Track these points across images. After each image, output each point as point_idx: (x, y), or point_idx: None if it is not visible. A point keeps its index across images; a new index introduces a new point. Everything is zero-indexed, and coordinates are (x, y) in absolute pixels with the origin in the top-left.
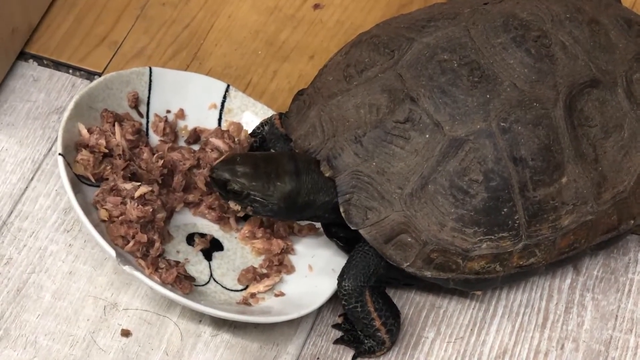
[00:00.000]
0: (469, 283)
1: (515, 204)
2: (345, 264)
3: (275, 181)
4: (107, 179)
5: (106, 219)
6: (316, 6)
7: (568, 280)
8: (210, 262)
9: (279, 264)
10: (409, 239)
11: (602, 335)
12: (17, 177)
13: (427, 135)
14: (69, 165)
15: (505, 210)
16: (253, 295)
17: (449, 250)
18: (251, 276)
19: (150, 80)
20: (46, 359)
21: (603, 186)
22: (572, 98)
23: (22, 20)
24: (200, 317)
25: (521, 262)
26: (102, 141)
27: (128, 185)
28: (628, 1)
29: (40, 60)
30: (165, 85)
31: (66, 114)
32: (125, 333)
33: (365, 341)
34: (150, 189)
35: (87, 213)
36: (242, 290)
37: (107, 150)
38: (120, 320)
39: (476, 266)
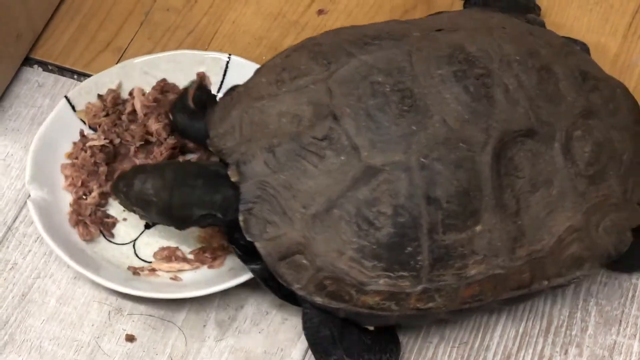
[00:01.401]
0: (361, 316)
1: (420, 245)
2: (309, 344)
3: (152, 198)
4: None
5: (68, 159)
6: (320, 12)
7: (572, 286)
8: (146, 230)
9: (211, 259)
10: (304, 261)
11: (605, 341)
12: (22, 182)
13: (343, 158)
14: (72, 107)
15: (409, 249)
16: (152, 270)
17: (343, 280)
18: (165, 254)
19: (227, 67)
20: None
21: (519, 241)
22: (504, 145)
23: (26, 26)
24: (204, 322)
25: (419, 305)
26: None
27: (95, 136)
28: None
29: (45, 65)
30: (241, 73)
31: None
32: (130, 338)
33: None
34: (103, 143)
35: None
36: (148, 262)
37: (119, 106)
38: (124, 326)
39: (370, 301)
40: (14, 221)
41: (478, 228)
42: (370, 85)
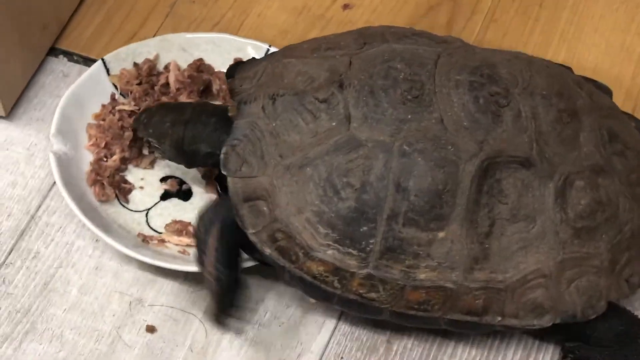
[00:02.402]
0: (305, 284)
1: (376, 228)
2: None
3: (168, 130)
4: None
5: (94, 120)
6: (345, 6)
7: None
8: (161, 202)
9: None
10: (264, 208)
11: None
12: (45, 171)
13: (334, 123)
14: (107, 70)
15: (364, 228)
16: (162, 241)
17: (294, 238)
18: (177, 227)
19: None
20: (72, 353)
21: (480, 264)
22: (494, 164)
23: (52, 16)
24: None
25: (361, 291)
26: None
27: (125, 102)
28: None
29: (70, 56)
30: None
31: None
32: (151, 329)
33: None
34: (132, 109)
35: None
36: (158, 233)
37: (153, 77)
38: (145, 316)
39: (314, 269)
40: (37, 210)
41: (441, 234)
42: (387, 68)
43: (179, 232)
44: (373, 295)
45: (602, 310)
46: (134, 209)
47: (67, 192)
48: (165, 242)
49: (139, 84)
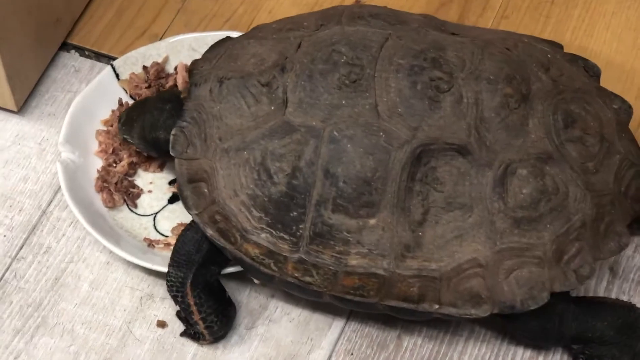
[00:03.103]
0: (245, 265)
1: (306, 214)
2: (172, 249)
3: (134, 123)
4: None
5: (104, 126)
6: (357, 2)
7: (604, 283)
8: (169, 205)
9: None
10: (205, 190)
11: None
12: (57, 166)
13: (272, 107)
14: (116, 75)
15: (294, 213)
16: (168, 244)
17: (231, 220)
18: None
19: None
20: (83, 348)
21: (412, 252)
22: (429, 151)
23: (65, 11)
24: (235, 310)
25: (297, 275)
26: (161, 73)
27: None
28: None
29: (81, 51)
30: None
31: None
32: (161, 324)
33: (195, 327)
34: None
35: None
36: (165, 236)
37: (160, 81)
38: (156, 311)
39: (251, 251)
40: (49, 205)
41: (372, 221)
42: (331, 52)
43: None
44: (308, 279)
45: (544, 301)
46: (142, 214)
47: (72, 200)
48: (171, 245)
49: (148, 87)
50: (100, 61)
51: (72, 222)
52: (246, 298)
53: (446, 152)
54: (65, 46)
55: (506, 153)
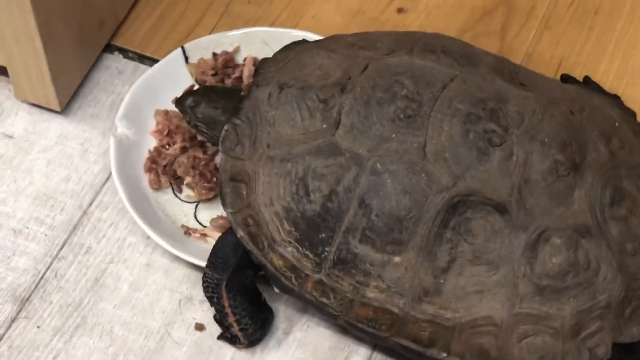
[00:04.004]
0: (268, 272)
1: (333, 238)
2: (211, 250)
3: (220, 117)
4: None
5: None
6: (400, 10)
7: None
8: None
9: None
10: (243, 192)
11: None
12: (99, 167)
13: (324, 125)
14: (186, 57)
15: (322, 235)
16: (204, 235)
17: (262, 227)
18: (220, 223)
19: None
20: (121, 349)
21: (430, 297)
22: (467, 202)
23: (109, 13)
24: (273, 315)
25: (315, 294)
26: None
27: None
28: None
29: (125, 53)
30: None
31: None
32: (200, 327)
33: (230, 330)
34: None
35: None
36: (203, 226)
37: (227, 71)
38: (194, 314)
39: (276, 262)
40: (90, 205)
41: (396, 259)
42: (393, 82)
43: (221, 228)
44: (325, 300)
45: None
46: (185, 200)
47: (119, 176)
48: (207, 236)
49: (214, 74)
50: (143, 63)
51: (112, 223)
52: (284, 303)
53: (484, 206)
54: (108, 48)
55: (544, 219)
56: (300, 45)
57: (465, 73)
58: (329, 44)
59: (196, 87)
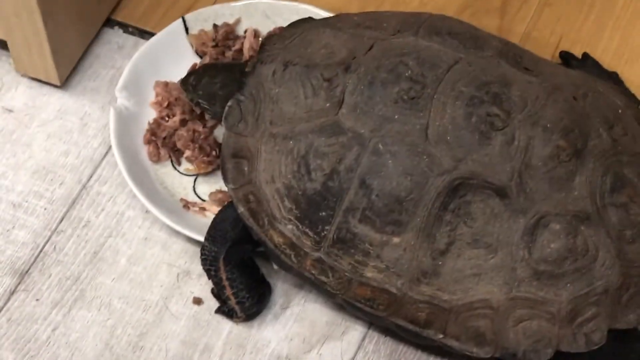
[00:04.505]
0: (267, 249)
1: (333, 217)
2: (210, 224)
3: (218, 91)
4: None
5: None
6: None
7: None
8: (217, 170)
9: None
10: (245, 168)
11: None
12: (98, 141)
13: (328, 104)
14: (186, 28)
15: (323, 214)
16: (202, 209)
17: (262, 204)
18: (219, 197)
19: None
20: (119, 322)
21: (428, 278)
22: (467, 185)
23: None
24: (271, 289)
25: (314, 272)
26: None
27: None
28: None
29: (125, 27)
30: None
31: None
32: (197, 301)
33: (227, 303)
34: None
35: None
36: (200, 200)
37: (228, 43)
38: (192, 288)
39: (275, 239)
40: (89, 180)
41: (395, 240)
42: (398, 62)
43: (220, 202)
44: (323, 279)
45: (547, 357)
46: (184, 173)
47: (118, 148)
48: (206, 210)
49: (215, 46)
50: (144, 38)
51: (111, 197)
52: (282, 278)
53: (484, 189)
54: (109, 22)
55: (543, 204)
56: (307, 22)
57: (470, 56)
58: (336, 22)
59: (198, 62)
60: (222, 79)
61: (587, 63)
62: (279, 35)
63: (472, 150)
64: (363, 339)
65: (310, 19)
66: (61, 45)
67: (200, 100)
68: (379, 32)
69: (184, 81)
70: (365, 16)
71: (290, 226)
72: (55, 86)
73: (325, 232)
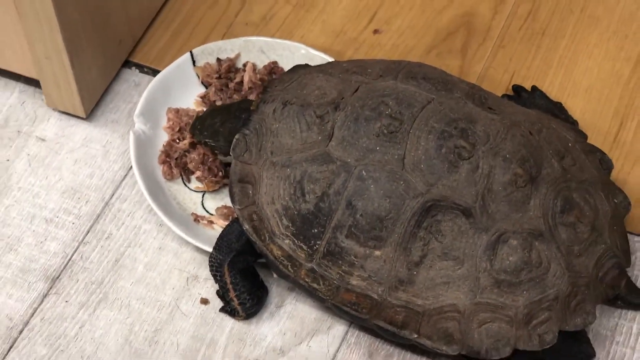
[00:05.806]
0: (268, 260)
1: (324, 233)
2: (218, 236)
3: (219, 128)
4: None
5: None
6: (375, 31)
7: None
8: (223, 188)
9: None
10: (250, 191)
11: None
12: (118, 165)
13: (320, 137)
14: (193, 61)
15: (315, 230)
16: (210, 222)
17: (264, 222)
18: (225, 212)
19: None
20: (137, 320)
21: (404, 286)
22: (437, 206)
23: (127, 33)
24: (267, 291)
25: (307, 280)
26: (232, 68)
27: (204, 93)
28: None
29: (141, 68)
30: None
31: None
32: (204, 301)
33: (230, 304)
34: (214, 99)
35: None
36: (210, 214)
37: (231, 73)
38: (200, 290)
39: (275, 252)
40: (111, 198)
41: (377, 252)
42: (379, 102)
43: (225, 216)
44: (315, 286)
45: (506, 354)
46: (193, 189)
47: (137, 167)
48: (214, 223)
49: (218, 78)
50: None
51: (130, 213)
52: (276, 281)
53: (452, 210)
54: (127, 63)
55: (503, 223)
56: (303, 68)
57: (441, 97)
58: (328, 68)
59: (204, 91)
60: (222, 118)
61: (535, 95)
62: (279, 79)
63: (442, 176)
64: (346, 332)
65: (306, 65)
66: (86, 83)
67: (206, 140)
68: (364, 77)
69: (191, 127)
70: (352, 63)
71: (287, 241)
72: (81, 118)
73: (317, 246)
